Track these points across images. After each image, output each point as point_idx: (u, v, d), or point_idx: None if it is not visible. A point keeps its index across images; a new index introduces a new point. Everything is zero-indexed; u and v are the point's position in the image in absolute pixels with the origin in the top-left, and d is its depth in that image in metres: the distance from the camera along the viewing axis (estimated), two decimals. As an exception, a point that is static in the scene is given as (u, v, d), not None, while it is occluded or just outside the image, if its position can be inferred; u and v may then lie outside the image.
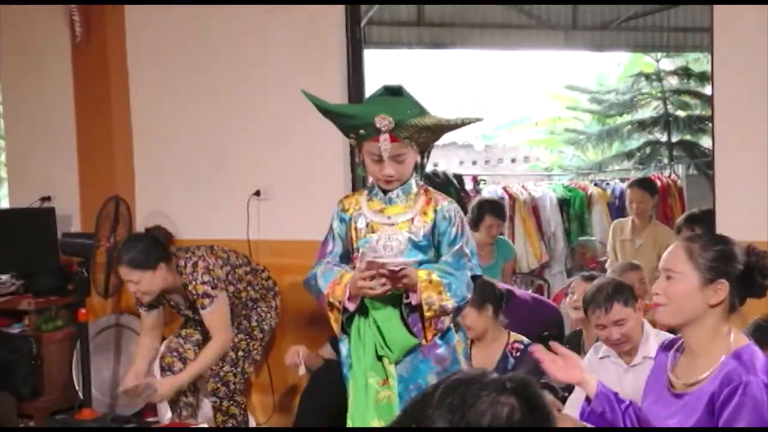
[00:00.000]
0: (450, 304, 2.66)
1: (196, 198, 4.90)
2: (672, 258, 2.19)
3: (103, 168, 5.04)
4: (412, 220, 2.74)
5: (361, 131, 2.69)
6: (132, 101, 5.07)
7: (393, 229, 2.73)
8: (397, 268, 2.59)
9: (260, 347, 4.12)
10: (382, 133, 2.63)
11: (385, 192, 2.77)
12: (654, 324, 3.20)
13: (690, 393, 2.14)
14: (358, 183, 4.49)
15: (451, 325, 2.80)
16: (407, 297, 2.68)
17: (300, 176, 4.63)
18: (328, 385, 3.49)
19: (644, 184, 5.40)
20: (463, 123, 2.73)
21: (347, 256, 2.82)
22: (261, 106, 4.73)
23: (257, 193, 4.71)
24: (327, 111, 2.78)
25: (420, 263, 2.73)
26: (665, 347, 2.33)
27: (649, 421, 2.21)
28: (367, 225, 2.76)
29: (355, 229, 2.78)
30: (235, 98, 4.79)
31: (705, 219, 4.04)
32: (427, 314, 2.65)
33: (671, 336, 3.14)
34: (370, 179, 2.88)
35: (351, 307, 2.70)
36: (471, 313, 3.52)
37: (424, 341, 2.69)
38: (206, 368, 3.85)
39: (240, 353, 4.03)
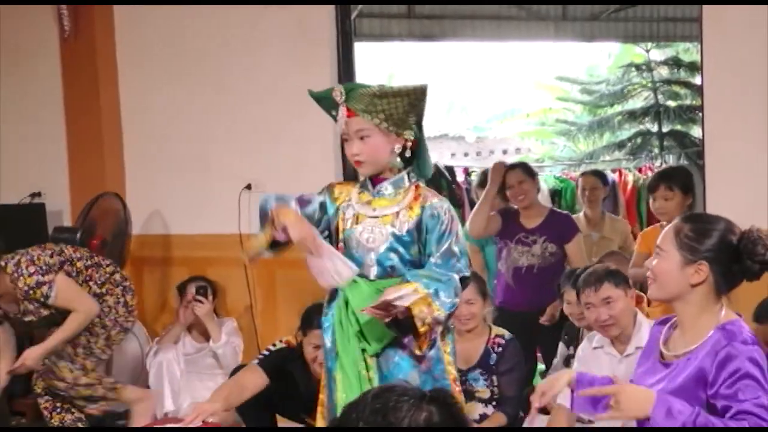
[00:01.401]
0: (441, 314, 2.61)
1: (187, 192, 4.89)
2: (663, 235, 2.26)
3: (93, 163, 5.03)
4: (397, 214, 2.72)
5: (333, 112, 2.70)
6: (121, 96, 5.06)
7: (376, 222, 2.72)
8: (392, 300, 2.54)
9: (104, 344, 3.90)
10: (340, 106, 2.64)
11: (374, 185, 2.77)
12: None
13: (676, 361, 2.19)
14: (349, 175, 4.50)
15: None
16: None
17: (291, 169, 4.63)
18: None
19: (596, 173, 5.51)
20: (407, 90, 2.66)
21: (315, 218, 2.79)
22: (251, 100, 4.72)
23: (248, 187, 4.70)
24: (313, 98, 2.78)
25: (403, 261, 2.71)
26: (660, 322, 2.37)
27: None
28: (354, 216, 2.75)
29: (343, 219, 2.77)
30: (226, 92, 4.78)
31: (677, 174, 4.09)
32: (422, 329, 2.60)
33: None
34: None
35: (280, 237, 2.64)
36: (478, 301, 3.59)
37: (417, 351, 2.67)
38: (71, 334, 3.74)
39: (80, 349, 3.85)
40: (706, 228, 2.19)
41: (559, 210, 4.92)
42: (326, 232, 2.81)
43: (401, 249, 2.70)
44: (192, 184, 4.89)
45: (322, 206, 2.82)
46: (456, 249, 2.72)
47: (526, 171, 4.59)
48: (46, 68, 5.09)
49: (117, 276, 3.98)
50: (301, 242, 2.60)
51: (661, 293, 2.25)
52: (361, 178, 2.82)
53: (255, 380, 3.49)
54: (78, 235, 4.48)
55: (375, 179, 2.75)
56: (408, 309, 2.54)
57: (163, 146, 4.98)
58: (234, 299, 4.78)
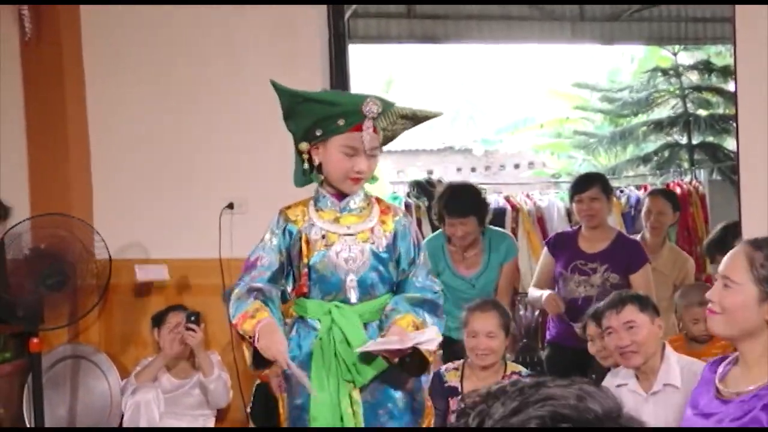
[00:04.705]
0: (438, 339, 2.73)
1: (162, 213, 4.90)
2: (731, 264, 2.22)
3: (58, 182, 5.03)
4: (372, 230, 2.79)
5: (340, 121, 2.71)
6: (89, 107, 5.07)
7: (353, 240, 2.78)
8: (410, 344, 2.63)
9: None
10: (368, 119, 2.67)
11: (339, 199, 2.81)
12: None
13: (739, 398, 2.18)
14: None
15: None
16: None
17: (277, 186, 4.59)
18: None
19: (668, 195, 5.34)
20: (427, 117, 2.83)
21: (281, 272, 2.83)
22: (233, 110, 4.74)
23: (230, 206, 4.72)
24: (307, 99, 2.79)
25: (383, 279, 2.80)
26: (714, 362, 2.36)
27: None
28: (323, 237, 2.79)
29: (308, 241, 2.79)
30: (205, 102, 4.80)
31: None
32: (431, 359, 2.74)
33: (692, 360, 3.18)
34: (318, 189, 2.90)
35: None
36: (500, 336, 3.62)
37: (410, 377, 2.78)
38: None
39: None
40: None
41: (626, 235, 4.81)
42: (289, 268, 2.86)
43: (381, 267, 2.80)
44: (168, 204, 4.90)
45: (288, 233, 2.84)
46: (428, 261, 2.92)
47: (603, 188, 4.49)
48: (5, 76, 5.11)
49: None
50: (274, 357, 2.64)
51: (730, 330, 2.22)
52: (314, 196, 2.88)
53: None
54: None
55: (338, 195, 2.82)
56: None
57: (136, 161, 4.99)
58: (214, 330, 4.78)
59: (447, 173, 12.63)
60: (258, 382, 4.01)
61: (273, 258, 2.82)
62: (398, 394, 2.77)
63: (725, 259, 2.26)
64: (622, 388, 3.29)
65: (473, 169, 14.15)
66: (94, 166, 5.11)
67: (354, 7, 7.75)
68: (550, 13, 9.28)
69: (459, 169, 13.93)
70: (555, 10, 9.27)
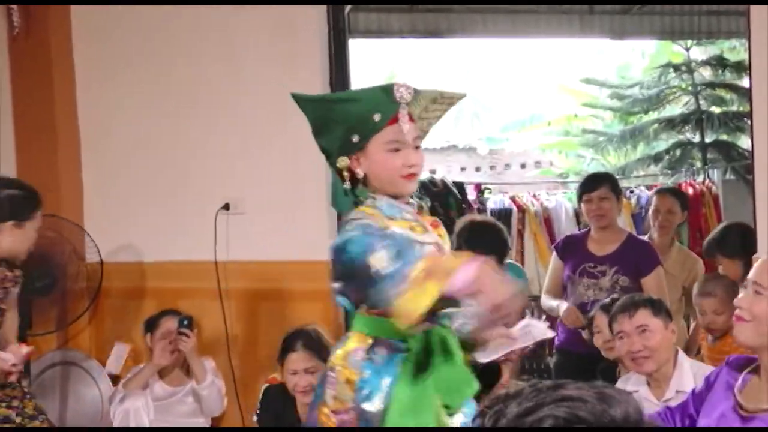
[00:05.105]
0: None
1: (155, 214, 4.90)
2: (764, 270, 2.20)
3: (47, 183, 5.02)
4: (437, 242, 2.63)
5: (376, 117, 2.54)
6: (82, 106, 5.07)
7: (434, 250, 2.58)
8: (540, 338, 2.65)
9: None
10: (402, 107, 2.53)
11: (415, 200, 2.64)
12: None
13: (761, 416, 2.16)
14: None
15: None
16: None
17: (277, 186, 4.63)
18: None
19: (677, 193, 5.35)
20: (459, 96, 2.80)
21: None
22: (230, 107, 4.74)
23: (226, 207, 4.71)
24: (335, 101, 2.70)
25: None
26: (732, 364, 2.34)
27: None
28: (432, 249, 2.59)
29: None
30: (200, 99, 4.80)
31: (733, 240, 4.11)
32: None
33: (707, 366, 3.17)
34: (370, 197, 2.59)
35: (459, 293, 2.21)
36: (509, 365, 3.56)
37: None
38: None
39: None
40: None
41: (637, 236, 4.84)
42: None
43: None
44: (160, 205, 4.89)
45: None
46: None
47: (612, 188, 4.52)
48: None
49: None
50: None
51: (758, 339, 2.20)
52: (374, 205, 2.58)
53: None
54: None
55: (401, 202, 2.62)
56: None
57: (130, 161, 4.98)
58: (209, 335, 4.77)
59: (450, 173, 12.60)
60: (266, 385, 3.91)
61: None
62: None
63: (757, 265, 2.24)
64: (633, 395, 3.28)
65: (478, 169, 14.13)
66: (87, 166, 5.10)
67: (354, 0, 7.74)
68: (558, 6, 9.26)
69: (463, 169, 13.91)
70: (563, 4, 9.26)
